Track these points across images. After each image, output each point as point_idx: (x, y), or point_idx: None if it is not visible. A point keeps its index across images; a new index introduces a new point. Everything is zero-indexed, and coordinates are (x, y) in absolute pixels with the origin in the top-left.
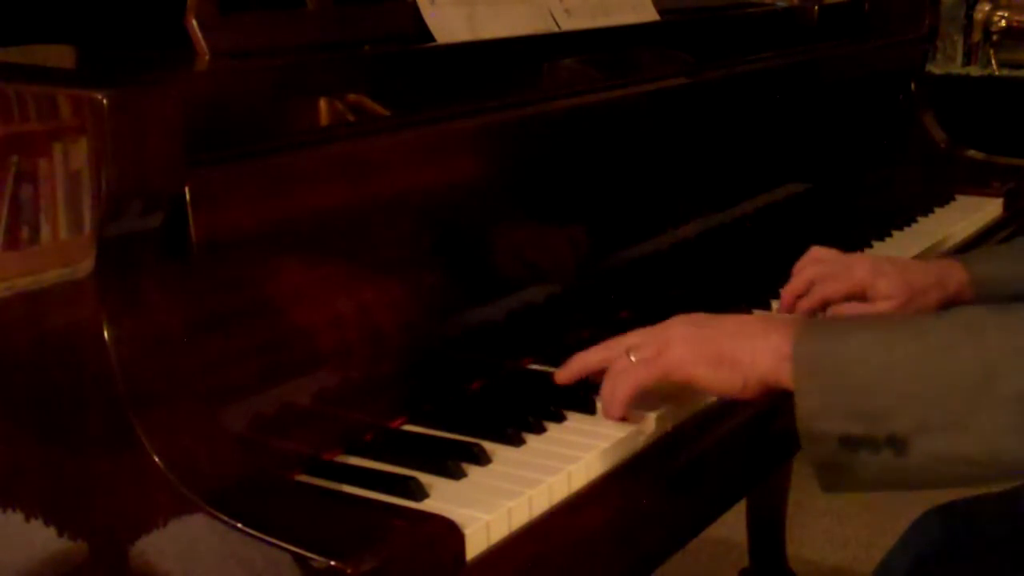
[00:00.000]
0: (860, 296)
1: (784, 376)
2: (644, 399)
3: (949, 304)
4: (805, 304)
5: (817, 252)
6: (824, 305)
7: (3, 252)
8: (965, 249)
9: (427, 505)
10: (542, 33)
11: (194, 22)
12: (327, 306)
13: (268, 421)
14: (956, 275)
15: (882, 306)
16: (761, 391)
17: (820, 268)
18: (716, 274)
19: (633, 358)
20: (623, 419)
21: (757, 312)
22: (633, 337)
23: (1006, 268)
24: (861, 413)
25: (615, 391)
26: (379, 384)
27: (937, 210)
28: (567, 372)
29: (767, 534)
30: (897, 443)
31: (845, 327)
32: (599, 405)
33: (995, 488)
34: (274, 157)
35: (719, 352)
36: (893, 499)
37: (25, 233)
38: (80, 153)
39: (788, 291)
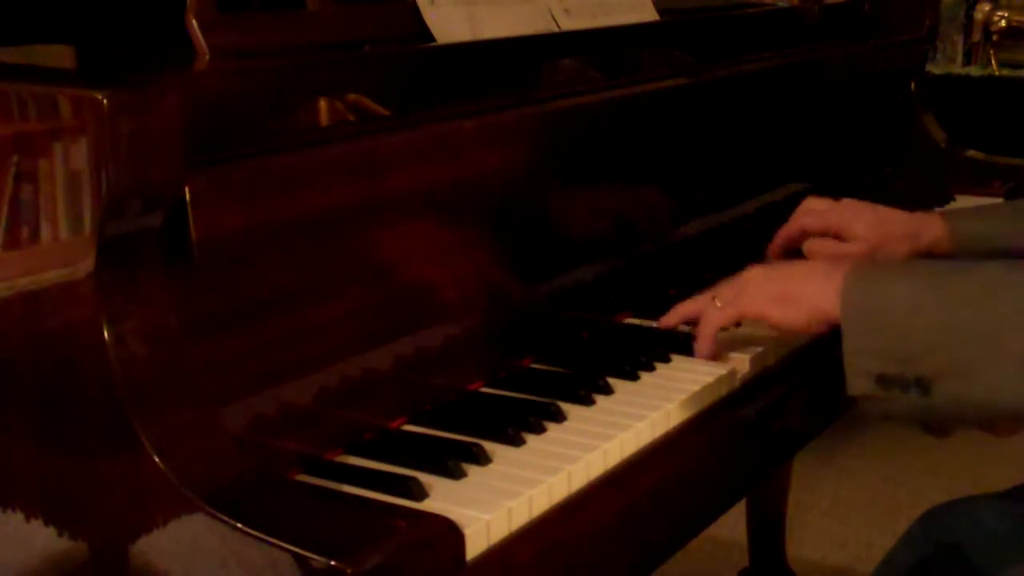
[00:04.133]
0: (836, 234)
1: (838, 313)
2: (640, 402)
3: (922, 254)
4: (783, 231)
5: (811, 202)
6: (801, 234)
7: (3, 252)
8: None
9: (427, 505)
10: (542, 33)
11: (194, 22)
12: (326, 306)
13: (268, 421)
14: (933, 228)
15: (853, 247)
16: (824, 326)
17: (811, 216)
18: (716, 273)
19: (718, 303)
20: (712, 357)
21: None
22: (718, 288)
23: (985, 225)
24: (894, 355)
25: (701, 333)
26: (379, 383)
27: (937, 210)
28: (669, 317)
29: (767, 534)
30: (922, 385)
31: (887, 275)
32: (599, 400)
33: (994, 488)
34: (274, 157)
35: (786, 291)
36: (893, 499)
37: (25, 233)
38: (80, 153)
39: (780, 234)
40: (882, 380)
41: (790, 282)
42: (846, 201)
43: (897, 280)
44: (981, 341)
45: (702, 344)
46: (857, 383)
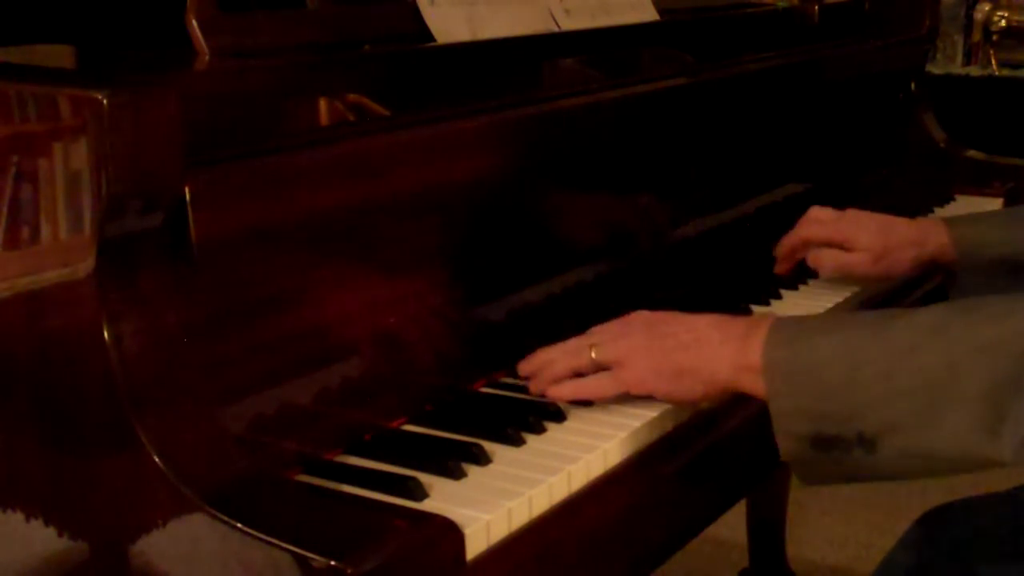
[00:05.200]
0: (839, 245)
1: (744, 383)
2: (640, 402)
3: (926, 262)
4: (786, 241)
5: (815, 212)
6: (805, 245)
7: (3, 252)
8: None
9: (427, 505)
10: (542, 33)
11: (194, 22)
12: (327, 306)
13: (268, 421)
14: (937, 235)
15: (857, 257)
16: (720, 396)
17: (815, 227)
18: (716, 274)
19: (594, 354)
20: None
21: (758, 311)
22: (595, 336)
23: (989, 232)
24: (831, 414)
25: (572, 388)
26: (379, 384)
27: (937, 210)
28: (528, 363)
29: (767, 534)
30: (866, 442)
31: (812, 328)
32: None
33: (994, 488)
34: (274, 157)
35: (677, 366)
36: (893, 499)
37: (25, 233)
38: (80, 153)
39: (783, 243)
40: (818, 441)
41: (680, 354)
42: (850, 211)
43: (828, 334)
44: (935, 387)
45: (559, 395)
46: (790, 447)
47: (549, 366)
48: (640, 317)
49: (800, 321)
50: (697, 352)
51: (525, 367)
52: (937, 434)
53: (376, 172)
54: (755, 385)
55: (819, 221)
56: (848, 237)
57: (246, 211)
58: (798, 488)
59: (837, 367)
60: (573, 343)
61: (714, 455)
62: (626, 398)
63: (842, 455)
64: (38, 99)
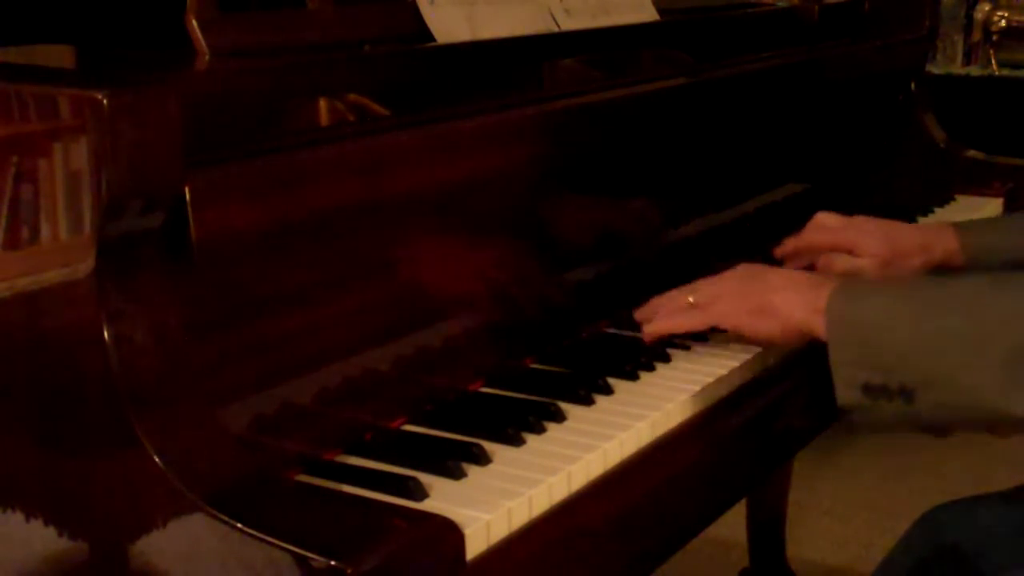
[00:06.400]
0: (846, 251)
1: (816, 326)
2: (641, 402)
3: (934, 268)
4: (790, 244)
5: (822, 218)
6: (810, 250)
7: (3, 252)
8: None
9: (427, 505)
10: (542, 33)
11: (194, 22)
12: (326, 306)
13: (268, 421)
14: (945, 241)
15: (864, 262)
16: (797, 338)
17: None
18: (714, 273)
19: (691, 298)
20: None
21: None
22: (696, 285)
23: (998, 237)
24: (878, 365)
25: (665, 321)
26: (379, 383)
27: (937, 210)
28: (641, 311)
29: (767, 534)
30: (906, 393)
31: (869, 289)
32: (599, 400)
33: (995, 487)
34: (274, 157)
35: (760, 303)
36: (893, 499)
37: (25, 233)
38: (80, 153)
39: (789, 243)
40: (868, 390)
41: (766, 293)
42: (857, 218)
43: (877, 294)
44: (963, 350)
45: (653, 332)
46: (845, 393)
47: (654, 310)
48: (740, 267)
49: (860, 281)
50: (783, 294)
51: (639, 313)
52: (963, 391)
53: (376, 172)
54: (823, 329)
55: (826, 227)
56: (855, 244)
57: (246, 211)
58: (798, 488)
59: (880, 325)
60: (675, 291)
61: (715, 455)
62: (628, 398)
63: (887, 404)
64: (38, 99)
